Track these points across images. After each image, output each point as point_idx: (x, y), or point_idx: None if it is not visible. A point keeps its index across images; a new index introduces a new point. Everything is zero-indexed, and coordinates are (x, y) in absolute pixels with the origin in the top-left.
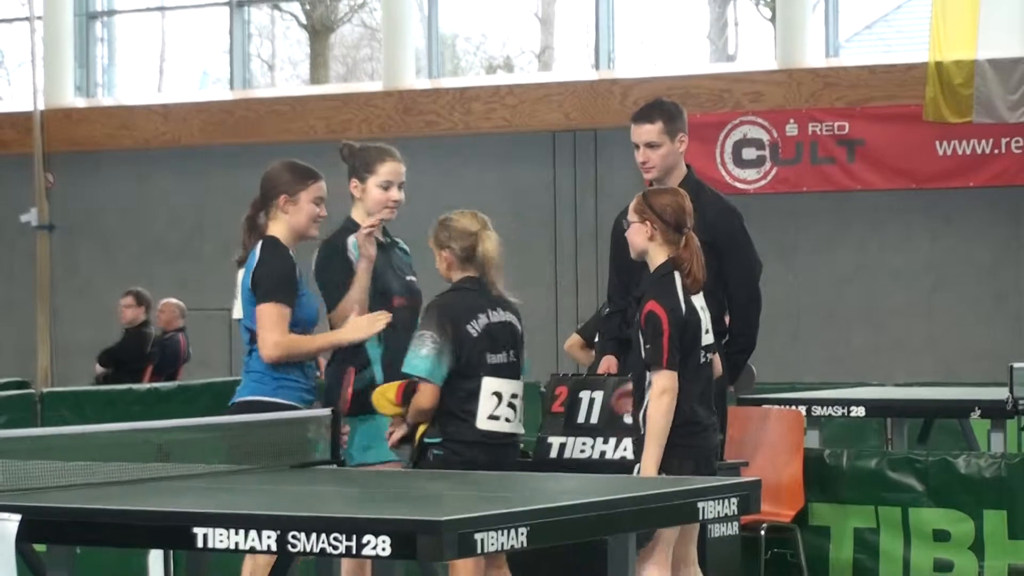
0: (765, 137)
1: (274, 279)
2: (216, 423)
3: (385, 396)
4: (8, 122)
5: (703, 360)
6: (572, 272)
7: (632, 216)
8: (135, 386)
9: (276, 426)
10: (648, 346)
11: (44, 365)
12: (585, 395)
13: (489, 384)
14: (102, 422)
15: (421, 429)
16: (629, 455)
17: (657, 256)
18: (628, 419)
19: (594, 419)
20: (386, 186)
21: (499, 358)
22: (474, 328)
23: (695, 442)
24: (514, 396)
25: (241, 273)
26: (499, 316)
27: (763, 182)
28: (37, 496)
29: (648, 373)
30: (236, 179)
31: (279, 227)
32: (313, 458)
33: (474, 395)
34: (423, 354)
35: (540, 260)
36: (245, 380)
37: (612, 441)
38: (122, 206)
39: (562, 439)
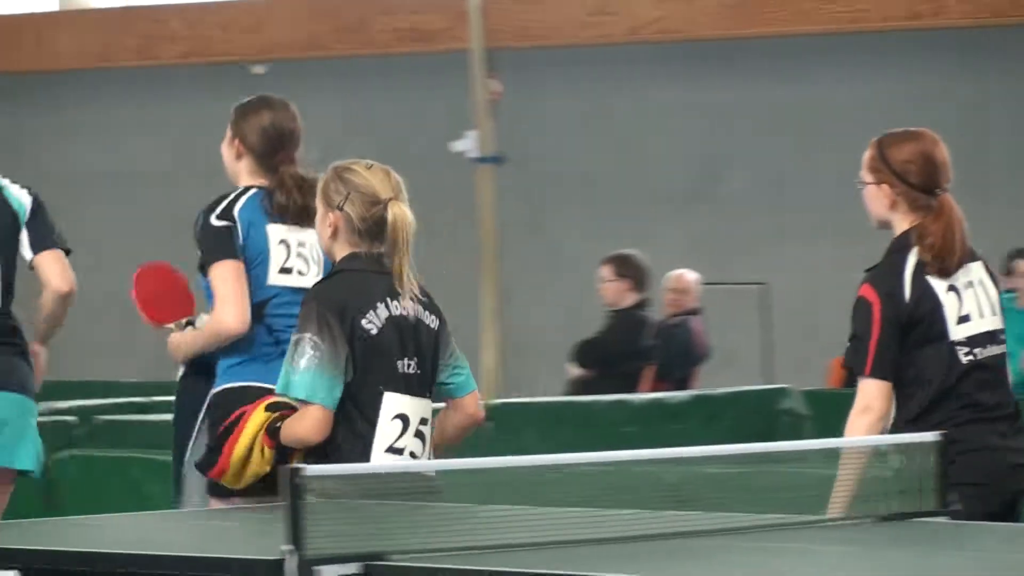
0: None
1: None
2: (760, 452)
3: (247, 450)
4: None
5: (969, 359)
6: None
7: (865, 175)
8: (628, 396)
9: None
10: (852, 344)
11: (490, 365)
12: None
13: (393, 403)
14: (579, 448)
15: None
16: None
17: (900, 227)
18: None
19: None
20: None
21: (407, 366)
22: (372, 323)
23: (974, 461)
24: (423, 422)
25: None
26: (406, 308)
27: None
28: (475, 559)
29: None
30: None
31: None
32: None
33: (370, 419)
34: (303, 366)
35: None
36: None
37: None
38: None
39: None
